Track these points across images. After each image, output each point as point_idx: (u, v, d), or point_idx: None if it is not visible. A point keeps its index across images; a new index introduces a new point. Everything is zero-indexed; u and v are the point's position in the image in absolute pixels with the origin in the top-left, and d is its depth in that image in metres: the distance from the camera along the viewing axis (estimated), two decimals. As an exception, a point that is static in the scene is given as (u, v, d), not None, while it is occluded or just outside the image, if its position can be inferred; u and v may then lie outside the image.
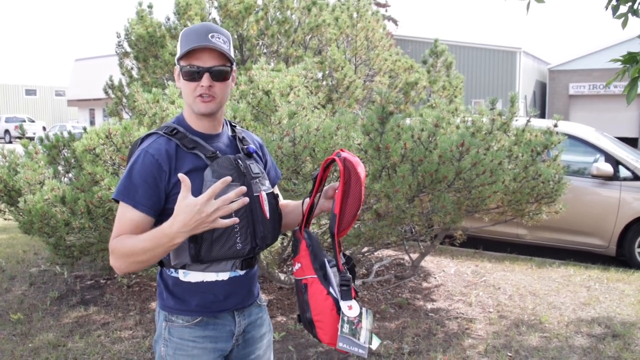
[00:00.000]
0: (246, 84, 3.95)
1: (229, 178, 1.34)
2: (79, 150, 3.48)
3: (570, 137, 5.92)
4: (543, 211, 4.43)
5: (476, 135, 3.95)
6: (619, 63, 3.35)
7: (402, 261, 5.52)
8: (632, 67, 3.27)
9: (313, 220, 3.68)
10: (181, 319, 1.58)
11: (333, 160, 1.61)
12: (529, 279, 5.07)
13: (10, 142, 30.02)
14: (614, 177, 5.77)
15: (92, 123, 32.13)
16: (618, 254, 5.80)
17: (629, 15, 3.39)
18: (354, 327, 1.50)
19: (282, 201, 1.81)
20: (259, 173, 1.64)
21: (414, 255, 5.07)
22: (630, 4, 3.38)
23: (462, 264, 5.59)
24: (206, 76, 1.52)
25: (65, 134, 4.81)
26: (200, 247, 1.48)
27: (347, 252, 4.21)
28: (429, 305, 4.34)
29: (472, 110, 4.55)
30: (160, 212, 1.51)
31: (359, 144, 3.58)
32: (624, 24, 3.42)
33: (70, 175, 4.49)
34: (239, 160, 1.59)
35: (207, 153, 1.55)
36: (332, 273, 1.60)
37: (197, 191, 1.44)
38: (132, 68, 7.02)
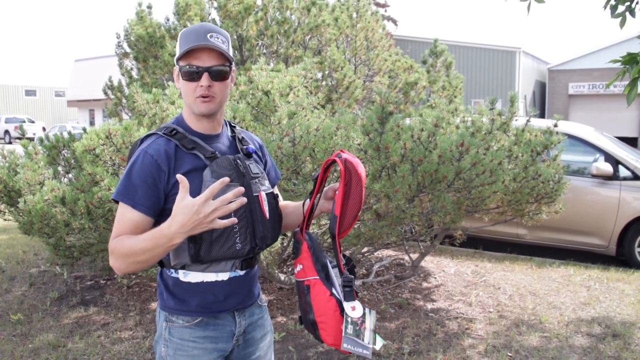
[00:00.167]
0: (246, 85, 3.95)
1: (227, 179, 1.34)
2: (79, 151, 3.49)
3: (570, 136, 5.92)
4: (543, 211, 4.43)
5: (476, 135, 3.95)
6: (619, 63, 3.35)
7: (402, 261, 5.52)
8: (632, 67, 3.28)
9: (313, 221, 3.68)
10: (181, 320, 1.58)
11: (334, 161, 1.61)
12: (529, 278, 5.07)
13: (10, 142, 30.02)
14: (614, 176, 5.77)
15: (91, 124, 32.13)
16: (618, 253, 5.80)
17: (627, 14, 3.39)
18: (357, 328, 1.50)
19: (281, 202, 1.81)
20: (258, 173, 1.63)
21: (414, 256, 5.07)
22: (628, 3, 3.38)
23: (462, 264, 5.59)
24: (205, 76, 1.52)
25: (65, 135, 4.80)
26: (200, 247, 1.48)
27: (347, 252, 4.21)
28: (429, 306, 4.34)
29: (471, 110, 4.56)
30: (160, 212, 1.51)
31: (359, 144, 3.58)
32: (622, 24, 3.42)
33: (70, 175, 4.48)
34: (238, 161, 1.59)
35: (206, 153, 1.55)
36: (334, 274, 1.60)
37: (196, 191, 1.45)
38: (131, 68, 7.03)
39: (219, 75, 1.54)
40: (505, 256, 5.97)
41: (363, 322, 1.51)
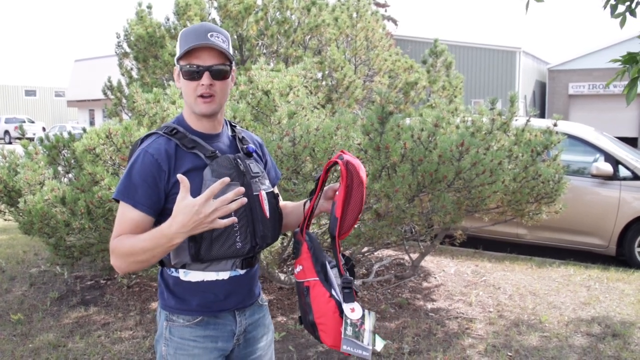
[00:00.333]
0: (246, 84, 3.95)
1: (227, 179, 1.34)
2: (79, 151, 3.49)
3: (570, 136, 5.93)
4: (543, 211, 4.43)
5: (476, 135, 3.95)
6: (619, 63, 3.35)
7: (402, 261, 5.52)
8: (632, 67, 3.27)
9: (313, 220, 3.68)
10: (182, 319, 1.59)
11: (335, 163, 1.61)
12: (529, 278, 5.07)
13: (10, 142, 30.02)
14: (614, 176, 5.77)
15: (91, 124, 32.15)
16: (618, 253, 5.80)
17: (627, 14, 3.39)
18: (357, 330, 1.50)
19: (281, 202, 1.81)
20: (258, 172, 1.64)
21: (414, 255, 5.07)
22: (628, 3, 3.38)
23: (462, 263, 5.59)
24: (206, 75, 1.53)
25: (65, 135, 4.81)
26: (200, 246, 1.48)
27: (347, 252, 4.22)
28: (429, 305, 4.34)
29: (471, 110, 4.56)
30: (160, 211, 1.52)
31: (359, 144, 3.58)
32: (622, 24, 3.42)
33: (70, 175, 4.48)
34: (238, 160, 1.59)
35: (207, 152, 1.55)
36: (332, 274, 1.60)
37: (196, 190, 1.45)
38: (131, 68, 7.02)
39: (219, 74, 1.54)
40: (505, 256, 5.97)
41: (362, 323, 1.51)
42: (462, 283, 4.92)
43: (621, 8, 3.42)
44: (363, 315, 1.53)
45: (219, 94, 1.56)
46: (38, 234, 3.84)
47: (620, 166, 5.83)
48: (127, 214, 1.49)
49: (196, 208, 1.31)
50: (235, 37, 6.18)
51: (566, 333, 3.79)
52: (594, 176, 5.82)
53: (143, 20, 6.58)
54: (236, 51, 6.25)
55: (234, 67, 1.61)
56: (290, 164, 3.43)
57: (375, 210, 3.64)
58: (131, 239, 1.44)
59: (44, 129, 30.77)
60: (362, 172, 1.58)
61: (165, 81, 6.11)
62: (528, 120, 4.38)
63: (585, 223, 5.83)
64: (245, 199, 1.36)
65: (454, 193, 3.76)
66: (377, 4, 30.39)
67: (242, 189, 1.35)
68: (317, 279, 1.57)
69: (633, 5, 3.39)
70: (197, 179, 1.50)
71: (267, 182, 1.68)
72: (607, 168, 5.74)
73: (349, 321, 1.50)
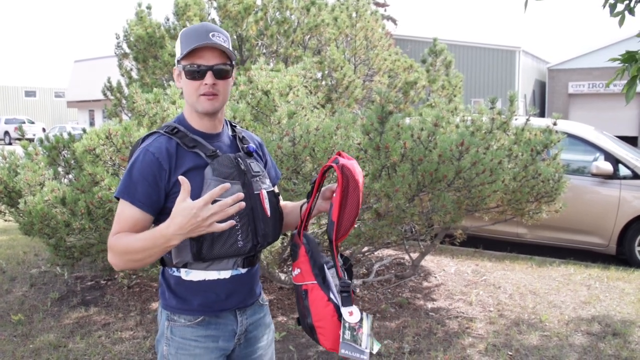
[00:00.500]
0: (245, 84, 3.96)
1: (227, 185, 1.35)
2: (79, 151, 3.49)
3: (570, 135, 5.93)
4: (543, 210, 4.43)
5: (476, 134, 3.95)
6: (618, 62, 3.35)
7: (402, 261, 5.53)
8: (631, 66, 3.27)
9: (314, 220, 3.69)
10: (183, 319, 1.59)
11: (331, 166, 1.62)
12: (529, 277, 5.07)
13: (10, 143, 30.03)
14: (614, 175, 5.77)
15: (91, 124, 32.17)
16: (618, 252, 5.81)
17: (626, 13, 3.38)
18: (355, 333, 1.51)
19: (281, 202, 1.81)
20: (259, 171, 1.64)
21: (414, 255, 5.08)
22: (627, 2, 3.37)
23: (463, 263, 5.59)
24: (209, 74, 1.53)
25: (65, 135, 4.81)
26: (202, 245, 1.49)
27: (348, 252, 4.22)
28: (430, 305, 4.34)
29: (471, 110, 4.56)
30: (160, 211, 1.52)
31: (359, 144, 3.58)
32: (621, 22, 3.41)
33: (70, 176, 4.49)
34: (239, 159, 1.60)
35: (208, 152, 1.56)
36: (330, 275, 1.61)
37: (197, 189, 1.47)
38: (131, 69, 7.03)
39: (222, 74, 1.56)
40: (505, 255, 5.97)
41: (360, 327, 1.53)
42: (462, 282, 4.92)
43: (620, 7, 3.41)
44: (361, 319, 1.54)
45: (222, 93, 1.57)
46: (38, 234, 3.84)
47: (620, 165, 5.83)
48: (126, 212, 1.50)
49: (194, 211, 1.31)
50: (235, 37, 6.18)
51: (566, 332, 3.79)
52: (594, 175, 5.82)
53: (143, 20, 6.58)
54: (236, 51, 6.25)
55: (234, 67, 1.62)
56: (290, 163, 3.43)
57: (376, 210, 3.64)
58: (129, 237, 1.45)
59: (44, 129, 30.77)
60: (358, 175, 1.58)
61: (165, 81, 6.11)
62: (528, 120, 4.38)
63: (586, 222, 5.83)
64: (243, 204, 1.37)
65: (454, 192, 3.76)
66: (377, 4, 30.39)
67: (241, 194, 1.36)
68: (315, 282, 1.58)
69: (632, 4, 3.38)
70: (198, 177, 1.50)
71: (267, 181, 1.68)
72: (607, 167, 5.74)
73: (347, 325, 1.51)
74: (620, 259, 5.84)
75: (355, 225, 3.76)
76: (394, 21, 31.77)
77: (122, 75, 7.07)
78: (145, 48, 6.42)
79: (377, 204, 3.65)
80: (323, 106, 5.20)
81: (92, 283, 4.92)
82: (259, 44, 6.37)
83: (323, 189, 1.70)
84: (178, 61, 1.58)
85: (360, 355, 1.49)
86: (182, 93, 3.84)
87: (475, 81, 23.38)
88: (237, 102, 3.82)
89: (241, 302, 1.64)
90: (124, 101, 6.53)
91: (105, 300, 4.45)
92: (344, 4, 6.85)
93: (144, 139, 1.60)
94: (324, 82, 6.11)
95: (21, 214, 3.99)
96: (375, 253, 5.47)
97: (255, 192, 1.59)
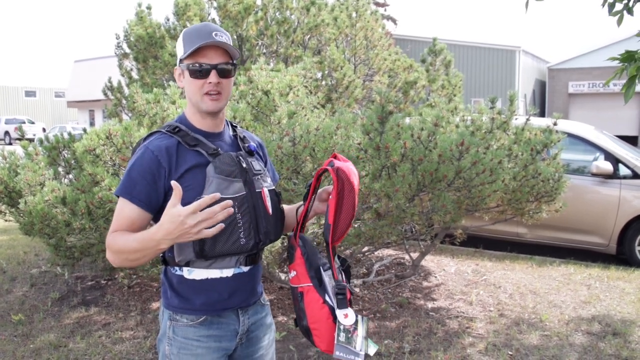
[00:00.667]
0: (245, 84, 3.96)
1: (218, 194, 1.36)
2: (80, 151, 3.49)
3: (570, 135, 5.93)
4: (543, 210, 4.43)
5: (476, 134, 3.96)
6: (618, 61, 3.34)
7: (402, 260, 5.53)
8: (630, 65, 3.27)
9: (314, 220, 3.69)
10: (185, 318, 1.59)
11: (327, 169, 1.62)
12: (530, 277, 5.08)
13: (10, 143, 30.04)
14: (614, 175, 5.77)
15: (91, 124, 32.17)
16: (618, 252, 5.81)
17: (624, 12, 3.38)
18: (350, 336, 1.53)
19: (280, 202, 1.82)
20: (260, 170, 1.66)
21: (414, 255, 5.08)
22: (625, 1, 3.37)
23: (463, 263, 5.60)
24: (213, 73, 1.55)
25: (65, 135, 4.81)
26: (204, 242, 1.49)
27: (348, 252, 4.22)
28: (430, 304, 4.34)
29: (471, 109, 4.56)
30: (159, 209, 1.53)
31: (359, 144, 3.58)
32: (619, 22, 3.41)
33: (70, 176, 4.49)
34: (240, 157, 1.61)
35: (209, 150, 1.56)
36: (326, 277, 1.61)
37: (199, 187, 1.49)
38: (131, 69, 7.03)
39: (225, 73, 1.57)
40: (505, 255, 5.98)
41: (355, 329, 1.54)
42: (462, 282, 4.93)
43: (619, 6, 3.41)
44: (356, 321, 1.56)
45: (225, 92, 1.59)
46: (39, 234, 3.85)
47: (620, 165, 5.83)
48: (124, 209, 1.51)
49: (181, 218, 1.32)
50: (235, 37, 6.18)
51: (566, 332, 3.79)
52: (594, 175, 5.82)
53: (143, 20, 6.58)
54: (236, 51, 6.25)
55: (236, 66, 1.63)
56: (290, 163, 3.43)
57: (376, 210, 3.64)
58: (125, 237, 1.46)
59: (44, 129, 30.78)
60: (354, 178, 1.59)
61: (165, 81, 6.12)
62: (528, 119, 4.39)
63: (586, 222, 5.83)
64: (232, 210, 1.38)
65: (454, 192, 3.76)
66: (377, 4, 30.39)
67: (230, 202, 1.37)
68: (311, 284, 1.59)
69: (630, 4, 3.38)
70: (199, 176, 1.52)
71: (269, 179, 1.69)
72: (607, 167, 5.74)
73: (342, 327, 1.53)
74: (621, 258, 5.84)
75: (355, 225, 3.77)
76: (394, 21, 31.78)
77: (122, 75, 7.08)
78: (145, 48, 6.43)
79: (377, 204, 3.65)
80: (323, 106, 5.20)
81: (92, 283, 4.93)
82: (259, 44, 6.37)
83: (319, 190, 1.71)
84: (181, 60, 1.59)
85: (354, 357, 1.51)
86: (182, 93, 3.84)
87: (475, 81, 23.38)
88: (237, 102, 3.82)
89: (243, 301, 1.65)
90: (124, 101, 6.54)
91: (106, 300, 4.46)
92: (344, 4, 6.85)
93: (145, 139, 1.61)
94: (324, 82, 6.11)
95: (21, 214, 3.99)
96: (376, 253, 5.48)
97: (257, 190, 1.60)
